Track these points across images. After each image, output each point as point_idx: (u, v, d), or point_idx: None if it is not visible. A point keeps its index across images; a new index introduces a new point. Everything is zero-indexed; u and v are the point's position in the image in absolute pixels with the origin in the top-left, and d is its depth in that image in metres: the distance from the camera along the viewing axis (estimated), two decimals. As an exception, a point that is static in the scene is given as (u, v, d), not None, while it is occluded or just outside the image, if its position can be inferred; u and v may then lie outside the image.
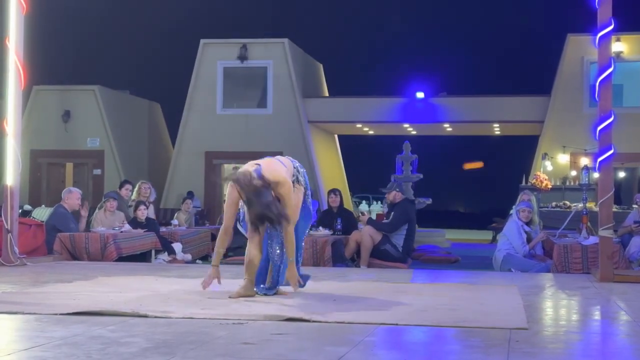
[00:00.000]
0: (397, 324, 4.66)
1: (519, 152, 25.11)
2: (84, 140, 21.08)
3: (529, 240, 9.61)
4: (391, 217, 10.26)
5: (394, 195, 10.47)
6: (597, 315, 5.71)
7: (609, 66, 7.66)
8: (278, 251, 6.12)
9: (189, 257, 11.02)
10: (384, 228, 10.21)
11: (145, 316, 4.85)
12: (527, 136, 22.06)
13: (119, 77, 25.13)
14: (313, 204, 19.36)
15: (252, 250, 6.21)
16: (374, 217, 13.17)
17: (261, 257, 6.20)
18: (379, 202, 16.78)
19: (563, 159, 19.30)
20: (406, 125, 21.52)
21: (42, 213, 14.15)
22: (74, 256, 9.62)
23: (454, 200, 40.46)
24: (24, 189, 17.29)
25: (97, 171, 21.00)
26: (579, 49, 19.03)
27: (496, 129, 22.14)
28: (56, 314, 4.90)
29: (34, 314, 4.95)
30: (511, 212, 11.22)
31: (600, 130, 7.69)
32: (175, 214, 13.84)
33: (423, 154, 18.11)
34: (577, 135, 18.65)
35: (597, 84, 7.74)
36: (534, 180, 16.90)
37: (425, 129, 22.34)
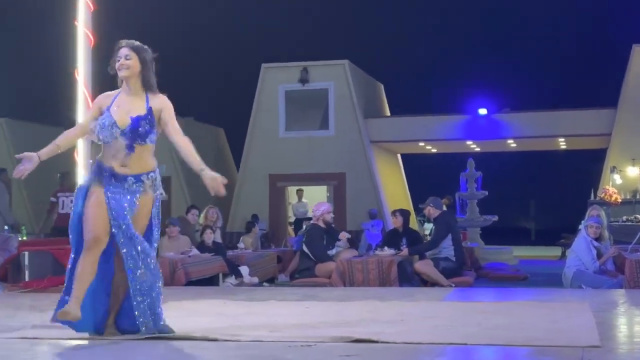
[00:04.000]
0: (465, 344, 4.63)
1: (586, 166, 24.68)
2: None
3: (599, 255, 9.42)
4: (432, 233, 10.39)
5: (428, 211, 10.68)
6: (672, 331, 5.57)
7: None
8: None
9: (255, 279, 11.10)
10: (428, 247, 10.40)
11: (215, 340, 4.91)
12: (594, 150, 21.66)
13: (183, 104, 25.60)
14: (377, 224, 19.38)
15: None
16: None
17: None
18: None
19: (632, 171, 18.89)
20: (469, 143, 21.36)
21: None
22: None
23: (521, 216, 39.91)
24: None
25: (165, 197, 21.32)
26: (645, 60, 18.68)
27: (562, 143, 21.80)
28: (129, 339, 5.00)
29: (107, 339, 5.06)
30: (580, 227, 11.03)
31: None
32: (242, 237, 13.98)
33: (487, 170, 17.96)
34: (646, 147, 18.26)
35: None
36: (603, 195, 16.58)
37: (489, 146, 22.13)
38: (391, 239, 10.99)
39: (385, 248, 10.30)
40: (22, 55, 29.95)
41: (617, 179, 18.59)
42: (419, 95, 33.61)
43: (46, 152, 5.36)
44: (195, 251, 10.59)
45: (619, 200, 16.46)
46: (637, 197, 17.74)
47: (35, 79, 25.99)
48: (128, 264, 5.04)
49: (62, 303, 5.13)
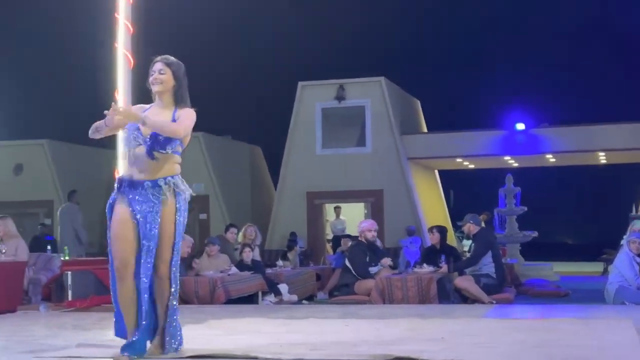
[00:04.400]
0: (508, 362, 4.61)
1: (627, 180, 24.38)
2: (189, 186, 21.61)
3: (642, 271, 9.30)
4: (472, 249, 10.33)
5: (468, 228, 10.63)
6: None
7: None
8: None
9: (295, 297, 11.12)
10: (468, 264, 10.36)
11: (256, 358, 4.93)
12: (635, 163, 21.40)
13: (220, 123, 25.77)
14: (415, 240, 19.29)
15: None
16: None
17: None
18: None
19: (675, 185, 18.62)
20: (507, 158, 21.22)
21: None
22: (184, 300, 9.85)
23: (561, 231, 39.46)
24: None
25: (203, 216, 21.47)
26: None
27: (602, 158, 21.56)
28: (172, 358, 5.04)
29: (150, 358, 5.10)
30: (622, 243, 10.90)
31: None
32: (281, 255, 14.03)
33: (526, 186, 17.83)
34: (688, 160, 18.00)
35: None
36: (645, 209, 16.38)
37: (528, 161, 21.97)
38: (429, 255, 10.95)
39: (424, 265, 10.27)
40: (63, 77, 30.46)
41: (660, 193, 18.33)
42: (456, 110, 33.51)
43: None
44: (234, 269, 10.66)
45: (662, 214, 16.24)
46: (680, 211, 17.47)
47: (75, 100, 26.41)
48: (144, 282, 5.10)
49: (119, 326, 5.21)
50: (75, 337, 6.25)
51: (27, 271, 9.93)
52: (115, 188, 5.21)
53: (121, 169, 9.08)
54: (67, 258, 12.18)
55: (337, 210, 20.24)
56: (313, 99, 20.47)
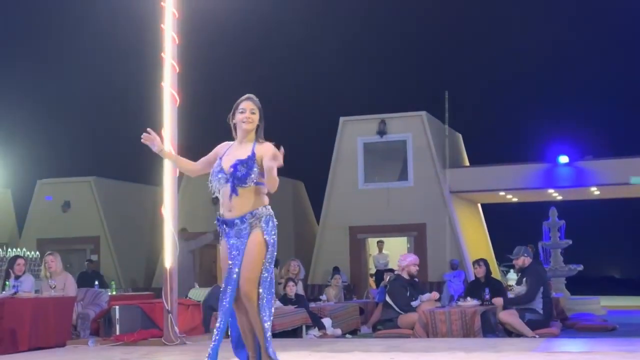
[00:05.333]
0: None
1: (674, 212, 24.01)
2: (232, 221, 21.83)
3: (690, 304, 9.18)
4: (526, 285, 10.20)
5: (523, 261, 10.49)
6: None
7: None
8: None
9: (338, 331, 11.15)
10: (523, 301, 10.20)
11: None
12: (682, 196, 21.11)
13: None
14: (458, 274, 19.21)
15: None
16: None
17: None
18: (511, 269, 16.49)
19: None
20: (551, 191, 21.08)
21: (197, 293, 14.71)
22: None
23: (608, 265, 38.89)
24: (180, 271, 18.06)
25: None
26: None
27: (647, 190, 21.30)
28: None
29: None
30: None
31: None
32: (325, 289, 14.07)
33: (571, 219, 17.68)
34: None
35: None
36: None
37: (572, 194, 21.79)
38: (474, 289, 10.93)
39: (468, 298, 10.25)
40: (110, 115, 31.05)
41: None
42: (498, 144, 33.37)
43: (167, 153, 5.70)
44: (278, 304, 10.73)
45: None
46: None
47: (122, 138, 26.89)
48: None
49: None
50: (124, 370, 6.36)
51: (75, 306, 10.12)
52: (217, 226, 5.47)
53: (167, 205, 9.23)
54: (114, 293, 12.39)
55: (380, 244, 20.24)
56: (355, 133, 20.61)
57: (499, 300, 10.25)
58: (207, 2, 11.40)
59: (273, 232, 5.35)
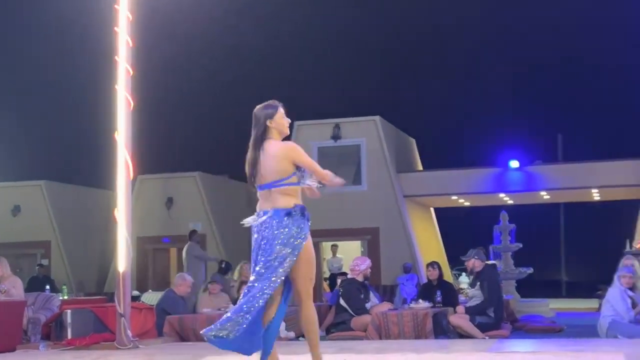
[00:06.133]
0: (500, 392, 4.73)
1: (620, 217, 24.53)
2: (186, 225, 21.75)
3: (634, 305, 9.43)
4: (481, 289, 10.37)
5: (472, 263, 10.67)
6: None
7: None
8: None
9: (292, 334, 11.20)
10: (485, 306, 10.36)
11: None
12: (629, 200, 21.59)
13: (218, 163, 26.00)
14: (411, 277, 19.33)
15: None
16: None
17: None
18: (463, 272, 16.72)
19: (667, 221, 18.80)
20: (502, 195, 21.41)
21: (150, 297, 14.67)
22: (183, 337, 9.95)
23: (556, 269, 39.53)
24: (132, 275, 17.97)
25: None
26: (676, 109, 18.73)
27: (595, 195, 21.76)
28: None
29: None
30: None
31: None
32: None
33: (521, 223, 17.97)
34: (681, 197, 18.20)
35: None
36: (638, 246, 16.51)
37: (522, 198, 22.16)
38: (426, 291, 11.08)
39: (420, 301, 10.39)
40: (61, 118, 30.70)
41: (653, 229, 18.49)
42: (451, 148, 33.77)
43: None
44: (232, 307, 10.74)
45: (655, 250, 16.36)
46: (674, 247, 17.60)
47: (74, 141, 26.64)
48: None
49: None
50: (77, 373, 6.34)
51: (26, 311, 10.03)
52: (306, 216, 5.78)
53: (121, 209, 9.20)
54: (66, 297, 12.28)
55: (334, 248, 20.34)
56: (309, 138, 20.69)
57: (461, 308, 10.41)
58: (161, 4, 11.38)
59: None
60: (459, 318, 10.19)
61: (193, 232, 17.43)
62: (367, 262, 11.22)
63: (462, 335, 10.08)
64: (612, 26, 35.41)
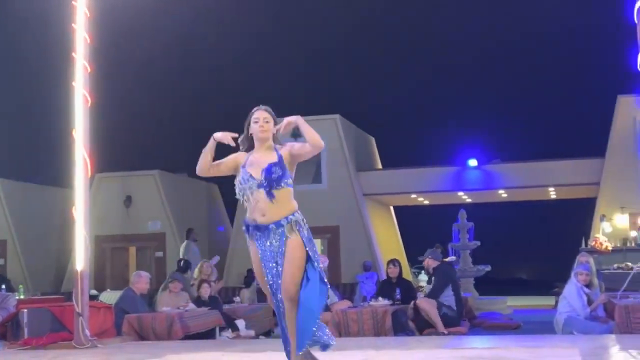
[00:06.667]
0: (458, 387, 4.78)
1: (576, 215, 24.91)
2: (145, 224, 21.62)
3: (589, 302, 9.58)
4: (432, 283, 10.58)
5: (427, 263, 10.91)
6: (659, 372, 5.72)
7: (656, 126, 7.78)
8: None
9: (252, 332, 11.20)
10: (429, 296, 10.56)
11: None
12: (584, 199, 21.93)
13: (178, 161, 25.84)
14: (371, 276, 19.39)
15: None
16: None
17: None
18: (422, 270, 16.87)
19: (622, 219, 19.13)
20: (461, 194, 21.61)
21: (109, 297, 14.55)
22: (142, 336, 9.88)
23: (515, 266, 40.04)
24: (90, 274, 17.79)
25: (159, 253, 21.46)
26: (630, 110, 19.04)
27: (552, 193, 22.07)
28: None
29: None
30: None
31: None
32: (239, 291, 14.08)
33: (479, 221, 18.14)
34: (634, 195, 18.53)
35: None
36: (594, 243, 16.77)
37: (480, 196, 22.39)
38: (385, 289, 11.14)
39: (379, 298, 10.45)
40: (17, 115, 30.27)
41: (607, 227, 18.80)
42: (410, 147, 34.01)
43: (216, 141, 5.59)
44: (192, 305, 10.71)
45: (609, 248, 16.64)
46: (627, 245, 17.92)
47: (30, 139, 26.28)
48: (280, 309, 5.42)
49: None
50: (34, 373, 6.27)
51: (-18, 310, 9.88)
52: (245, 232, 5.50)
53: (79, 207, 9.11)
54: (22, 297, 12.12)
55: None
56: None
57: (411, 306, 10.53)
58: (120, 0, 11.27)
59: (311, 240, 5.54)
60: (427, 302, 10.22)
61: (189, 230, 17.35)
62: (327, 261, 11.34)
63: (422, 330, 10.15)
64: (571, 28, 35.95)
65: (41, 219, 21.92)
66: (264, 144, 5.52)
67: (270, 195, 5.37)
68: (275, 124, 5.58)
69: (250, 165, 5.44)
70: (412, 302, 10.53)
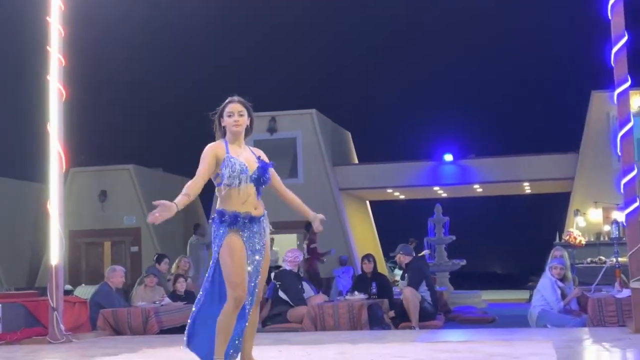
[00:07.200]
0: (433, 380, 4.82)
1: (551, 209, 25.11)
2: (120, 219, 21.50)
3: (563, 296, 9.67)
4: (407, 278, 10.60)
5: (399, 258, 10.97)
6: (631, 365, 5.80)
7: (628, 121, 7.87)
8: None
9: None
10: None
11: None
12: (558, 193, 22.11)
13: (153, 156, 25.73)
14: (347, 270, 19.41)
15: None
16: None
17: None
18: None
19: (595, 214, 19.30)
20: (436, 188, 21.70)
21: (84, 292, 14.46)
22: (117, 331, 9.85)
23: (489, 261, 40.28)
24: (64, 269, 17.67)
25: (135, 248, 21.35)
26: (603, 105, 19.19)
27: (527, 188, 22.23)
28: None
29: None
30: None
31: (624, 184, 7.86)
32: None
33: (455, 215, 18.24)
34: (608, 190, 18.66)
35: (619, 139, 7.95)
36: (568, 237, 16.90)
37: (456, 191, 22.50)
38: (360, 283, 11.17)
39: (355, 292, 10.48)
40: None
41: (581, 221, 18.97)
42: (386, 142, 34.09)
43: (182, 202, 5.26)
44: (167, 300, 10.68)
45: (583, 242, 16.78)
46: (601, 239, 18.08)
47: (5, 132, 26.04)
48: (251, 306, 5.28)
49: (198, 343, 5.32)
50: (8, 368, 6.24)
51: (-45, 305, 9.78)
52: (226, 222, 5.27)
53: (54, 202, 9.04)
54: (-5, 292, 12.00)
55: (269, 241, 20.32)
56: (245, 131, 20.62)
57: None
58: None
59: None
60: (413, 294, 10.21)
61: (197, 225, 17.28)
62: (301, 255, 11.37)
63: (398, 324, 10.19)
64: (541, 20, 36.18)
65: (14, 213, 21.72)
66: (238, 138, 5.42)
67: (259, 192, 5.38)
68: (250, 115, 5.46)
69: (237, 156, 5.33)
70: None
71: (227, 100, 5.46)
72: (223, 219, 5.27)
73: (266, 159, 5.55)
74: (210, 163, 5.34)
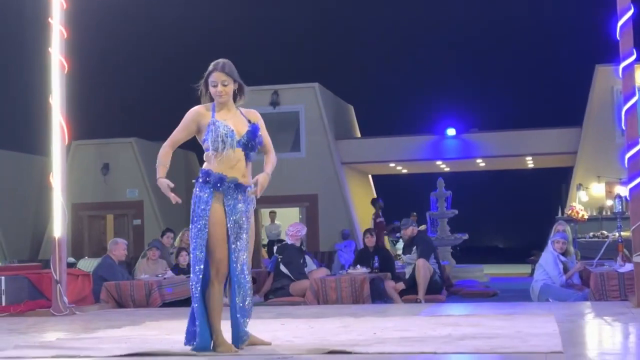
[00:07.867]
0: (435, 352, 4.83)
1: (553, 184, 25.10)
2: (123, 192, 21.52)
3: (565, 270, 9.69)
4: (419, 251, 10.54)
5: (412, 231, 10.90)
6: (633, 339, 5.81)
7: (633, 95, 7.83)
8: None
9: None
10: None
11: (195, 354, 5.07)
12: (561, 168, 22.11)
13: (154, 129, 25.67)
14: (349, 244, 19.44)
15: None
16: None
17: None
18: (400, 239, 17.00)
19: (598, 188, 19.30)
20: (439, 163, 21.69)
21: (87, 264, 14.51)
22: (120, 304, 9.89)
23: (492, 235, 40.30)
24: (67, 241, 17.72)
25: (137, 221, 21.39)
26: (608, 79, 19.10)
27: (529, 162, 22.21)
28: (109, 357, 5.14)
29: (89, 357, 5.19)
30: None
31: (628, 158, 7.85)
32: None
33: (457, 190, 18.25)
34: (611, 164, 18.66)
35: (623, 113, 7.92)
36: (570, 212, 16.90)
37: (458, 165, 22.49)
38: (363, 257, 11.19)
39: (358, 266, 10.50)
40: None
41: (583, 196, 18.97)
42: (388, 116, 33.98)
43: (163, 173, 5.36)
44: (170, 273, 10.71)
45: (585, 217, 16.78)
46: (603, 213, 18.10)
47: (7, 105, 25.99)
48: (239, 280, 5.14)
49: (191, 335, 5.18)
50: (12, 340, 6.27)
51: (-41, 277, 9.82)
52: (210, 183, 5.11)
53: (56, 175, 9.05)
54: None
55: (272, 215, 20.35)
56: (247, 104, 20.56)
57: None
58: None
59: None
60: (425, 267, 10.20)
61: None
62: (305, 229, 11.37)
63: (400, 297, 10.22)
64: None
65: (17, 186, 21.74)
66: (226, 104, 5.27)
67: (249, 158, 5.21)
68: (235, 81, 5.26)
69: (225, 121, 5.19)
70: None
71: (211, 67, 5.27)
72: (207, 179, 5.12)
73: (258, 120, 5.36)
74: (188, 128, 5.29)
